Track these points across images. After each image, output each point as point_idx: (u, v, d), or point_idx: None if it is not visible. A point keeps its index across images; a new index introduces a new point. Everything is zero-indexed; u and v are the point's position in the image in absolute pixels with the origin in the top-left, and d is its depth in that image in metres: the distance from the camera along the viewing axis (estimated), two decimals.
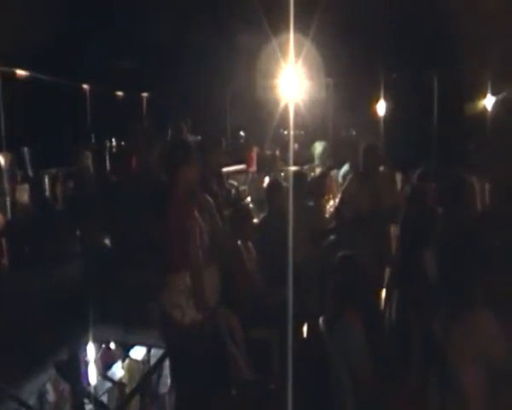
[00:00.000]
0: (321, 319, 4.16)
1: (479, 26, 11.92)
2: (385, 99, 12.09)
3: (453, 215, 5.40)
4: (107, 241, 6.00)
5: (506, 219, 5.27)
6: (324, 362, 3.82)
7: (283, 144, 11.37)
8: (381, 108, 12.11)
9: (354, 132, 13.50)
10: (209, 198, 5.12)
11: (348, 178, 7.00)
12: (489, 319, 3.49)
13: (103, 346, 6.60)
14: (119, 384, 6.54)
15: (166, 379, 6.39)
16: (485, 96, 12.45)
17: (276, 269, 4.66)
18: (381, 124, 12.05)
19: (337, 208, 6.81)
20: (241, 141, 14.13)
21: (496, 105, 12.40)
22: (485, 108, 12.52)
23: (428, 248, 4.50)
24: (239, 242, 5.44)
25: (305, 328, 4.88)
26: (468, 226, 5.02)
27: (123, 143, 10.32)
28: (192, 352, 4.07)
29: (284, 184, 7.30)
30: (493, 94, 12.44)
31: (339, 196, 7.03)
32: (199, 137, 8.03)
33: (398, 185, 7.31)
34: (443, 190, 6.71)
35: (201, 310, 4.09)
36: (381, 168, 8.84)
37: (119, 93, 13.52)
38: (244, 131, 14.19)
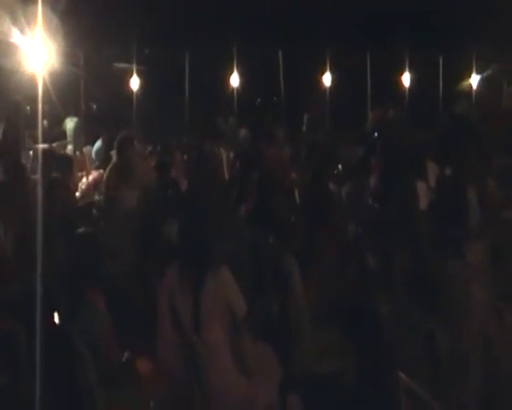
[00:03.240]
0: (64, 301, 3.96)
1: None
2: (137, 74, 11.98)
3: (198, 184, 5.55)
4: None
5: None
6: (69, 347, 3.64)
7: (32, 121, 10.67)
8: (134, 82, 11.99)
9: (95, 106, 13.21)
10: None
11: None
12: (228, 274, 3.66)
13: None
14: None
15: None
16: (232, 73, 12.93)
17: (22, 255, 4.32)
18: (134, 98, 11.93)
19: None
20: None
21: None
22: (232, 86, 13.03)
23: (171, 217, 4.54)
24: None
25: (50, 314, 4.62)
26: (212, 194, 5.19)
27: None
28: None
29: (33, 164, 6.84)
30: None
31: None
32: None
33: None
34: (190, 161, 6.89)
35: None
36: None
37: None
38: None
